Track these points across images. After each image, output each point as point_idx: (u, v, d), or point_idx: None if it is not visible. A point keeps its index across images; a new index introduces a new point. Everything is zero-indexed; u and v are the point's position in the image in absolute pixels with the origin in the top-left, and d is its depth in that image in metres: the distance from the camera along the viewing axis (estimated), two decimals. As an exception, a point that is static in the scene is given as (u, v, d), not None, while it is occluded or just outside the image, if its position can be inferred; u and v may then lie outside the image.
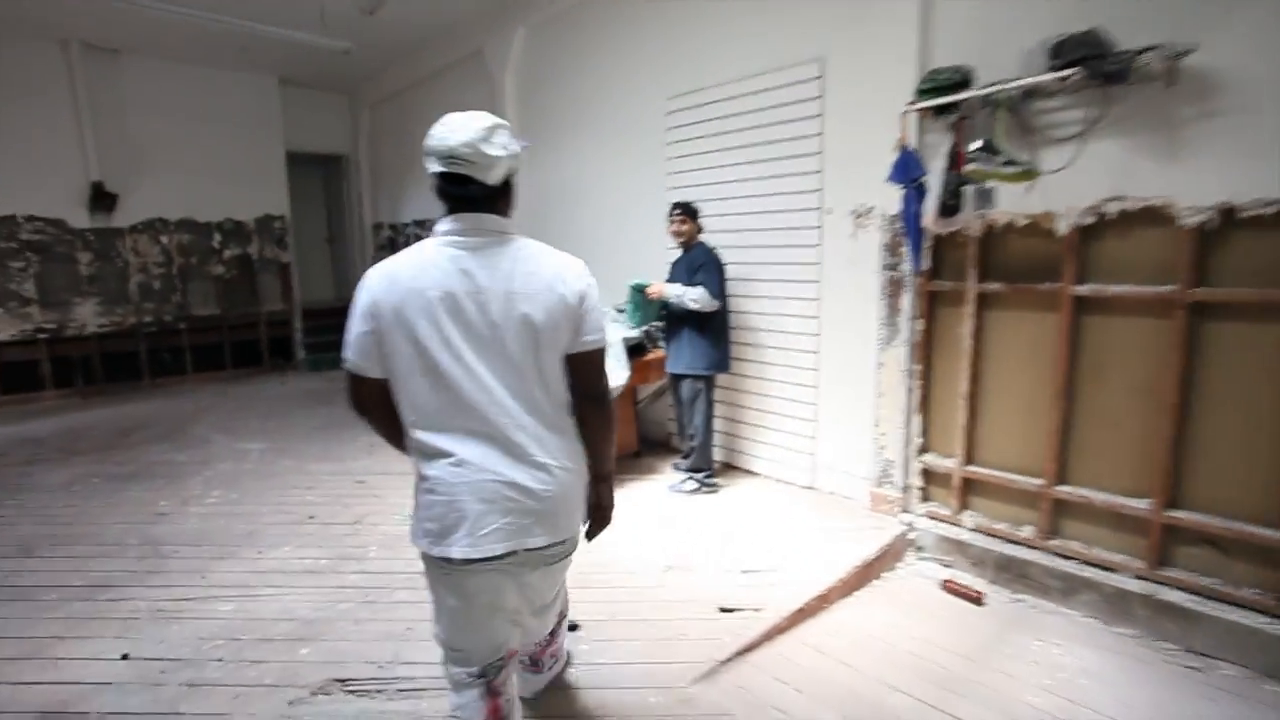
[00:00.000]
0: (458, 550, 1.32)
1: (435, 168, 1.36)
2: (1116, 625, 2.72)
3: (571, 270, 1.40)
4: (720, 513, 3.51)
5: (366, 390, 1.39)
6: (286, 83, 7.58)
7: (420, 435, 1.35)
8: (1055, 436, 2.90)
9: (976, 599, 2.92)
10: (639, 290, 3.70)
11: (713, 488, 3.76)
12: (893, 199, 3.17)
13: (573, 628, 2.42)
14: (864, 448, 3.52)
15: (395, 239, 8.12)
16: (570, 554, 1.51)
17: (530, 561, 1.39)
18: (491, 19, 5.64)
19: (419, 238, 7.63)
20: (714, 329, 3.58)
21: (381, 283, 1.34)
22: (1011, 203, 2.82)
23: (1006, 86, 2.59)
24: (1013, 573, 3.02)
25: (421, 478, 1.37)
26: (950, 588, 3.02)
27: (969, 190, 2.76)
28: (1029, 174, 2.54)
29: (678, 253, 3.73)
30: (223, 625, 2.42)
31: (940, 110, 2.87)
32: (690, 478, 3.75)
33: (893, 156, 3.10)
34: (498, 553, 1.32)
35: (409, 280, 1.33)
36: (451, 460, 1.31)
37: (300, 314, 7.99)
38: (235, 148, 7.26)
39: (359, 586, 2.70)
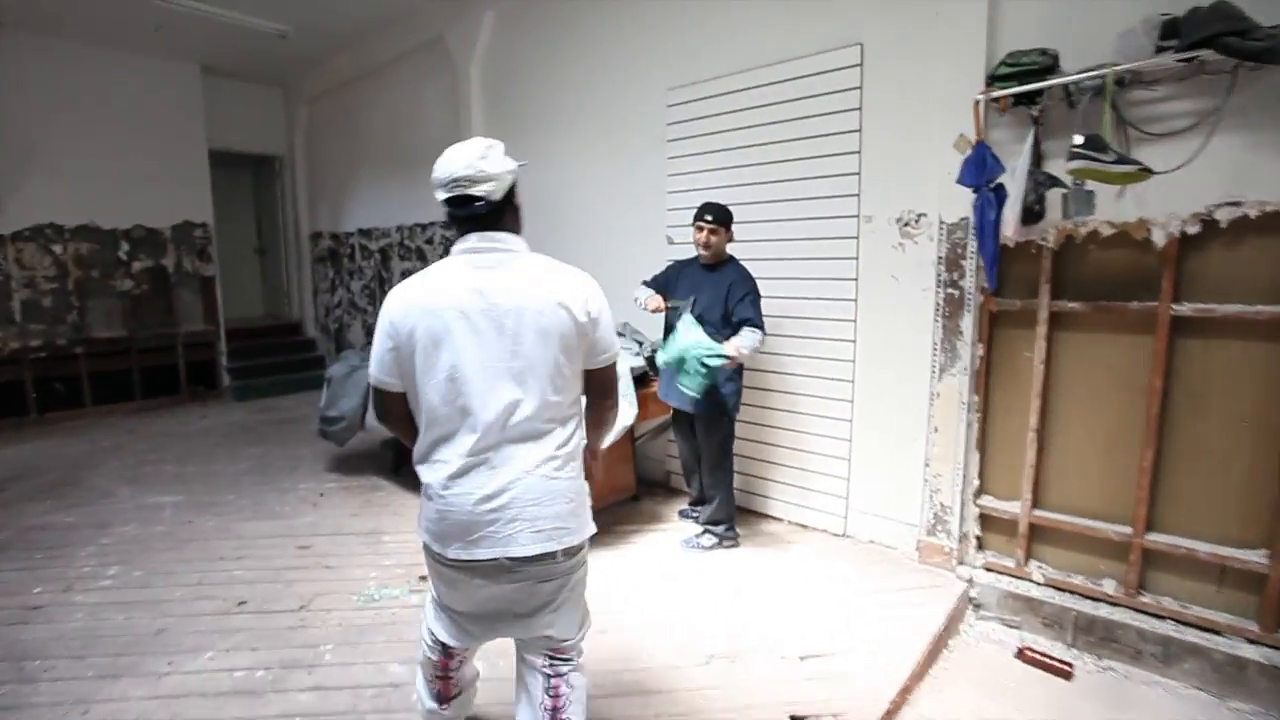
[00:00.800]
0: (452, 553, 1.41)
1: (441, 195, 1.42)
2: (1232, 699, 2.33)
3: (582, 287, 1.44)
4: (748, 573, 2.97)
5: (390, 402, 1.47)
6: (211, 72, 6.68)
7: (428, 446, 1.42)
8: (1146, 476, 2.51)
9: (1065, 672, 2.48)
10: (718, 363, 2.76)
11: (734, 541, 3.22)
12: (952, 203, 2.75)
13: (612, 763, 1.84)
14: (910, 490, 3.06)
15: (337, 250, 7.30)
16: (565, 575, 1.48)
17: (513, 572, 1.41)
18: (454, 1, 5.01)
19: (364, 249, 6.86)
20: (742, 364, 3.04)
21: (399, 304, 1.40)
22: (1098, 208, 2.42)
23: (1114, 70, 2.19)
24: (1096, 635, 2.61)
25: (426, 485, 1.44)
26: (1029, 657, 2.57)
27: (1063, 193, 2.34)
28: (1143, 174, 2.14)
29: (673, 255, 3.14)
30: (112, 796, 1.70)
31: (1018, 100, 2.46)
32: (708, 531, 3.19)
33: (954, 154, 2.68)
34: (486, 558, 1.38)
35: (425, 300, 1.38)
36: (451, 474, 1.38)
37: (225, 335, 7.02)
38: (148, 144, 6.30)
39: (313, 714, 2.01)
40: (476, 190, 1.37)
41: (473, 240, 1.41)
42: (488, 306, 1.35)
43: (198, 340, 6.78)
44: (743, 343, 2.80)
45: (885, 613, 2.63)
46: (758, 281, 3.02)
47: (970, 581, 2.87)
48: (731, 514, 3.20)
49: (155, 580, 2.89)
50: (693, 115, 3.65)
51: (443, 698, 1.72)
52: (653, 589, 2.82)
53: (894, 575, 2.94)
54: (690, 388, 2.80)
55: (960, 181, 2.52)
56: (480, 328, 1.35)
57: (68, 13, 5.22)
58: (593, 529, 1.51)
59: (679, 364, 2.81)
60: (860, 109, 3.01)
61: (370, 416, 3.94)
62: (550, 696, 1.50)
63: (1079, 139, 2.17)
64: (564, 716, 1.50)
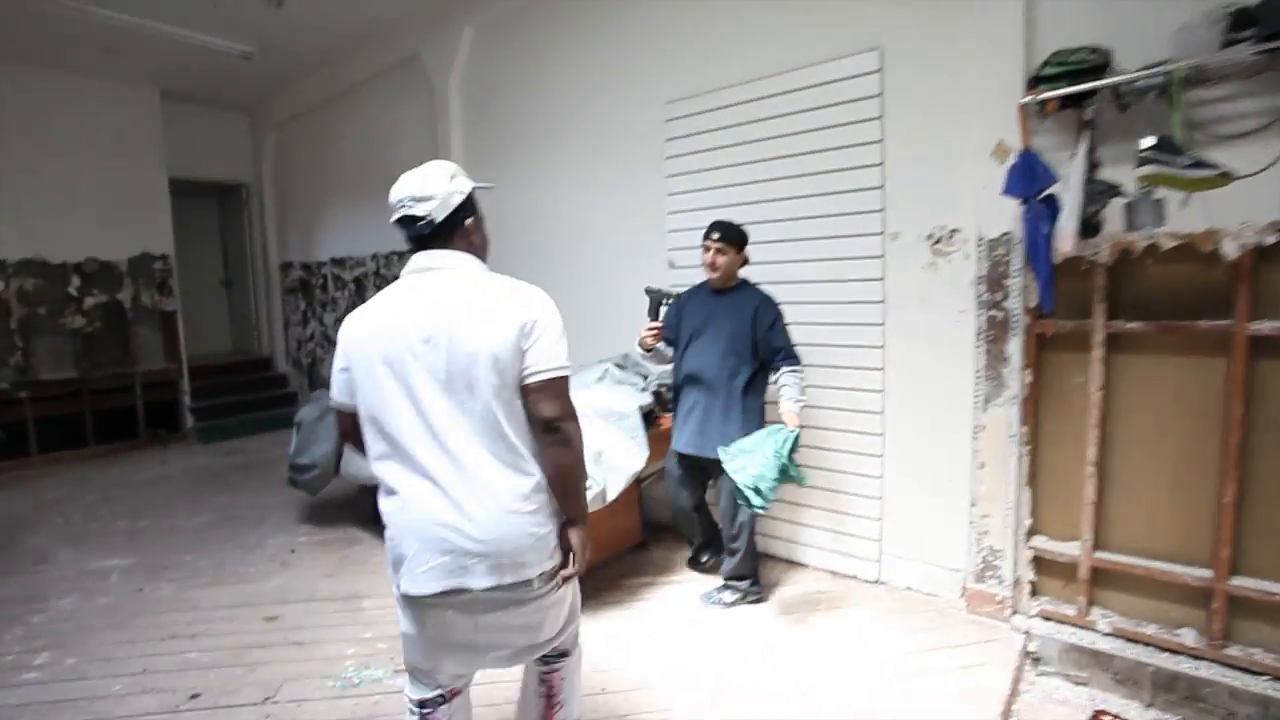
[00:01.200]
0: (403, 584, 1.37)
1: (392, 219, 1.44)
2: (1343, 767, 2.05)
3: (520, 299, 1.39)
4: (779, 632, 2.65)
5: (350, 422, 1.47)
6: (171, 97, 6.32)
7: (376, 469, 1.40)
8: (1229, 514, 2.24)
9: (1150, 740, 2.19)
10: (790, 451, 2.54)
11: (759, 595, 2.89)
12: (993, 217, 2.51)
13: None
14: (952, 532, 2.78)
15: (309, 281, 6.91)
16: (540, 598, 1.42)
17: (482, 603, 1.36)
18: (430, 17, 4.75)
19: (337, 279, 6.49)
20: (763, 397, 2.75)
21: (351, 327, 1.42)
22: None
23: (1182, 66, 1.97)
24: (1178, 694, 2.31)
25: (383, 513, 1.41)
26: (1107, 723, 2.27)
27: (1124, 203, 2.11)
28: (1222, 179, 1.91)
29: (674, 279, 2.83)
30: None
31: (1064, 104, 2.24)
32: (730, 585, 2.86)
33: (991, 164, 2.46)
34: (434, 590, 1.33)
35: (373, 322, 1.39)
36: (398, 497, 1.36)
37: (188, 373, 6.56)
38: (102, 172, 5.90)
39: None
40: (418, 210, 1.39)
41: (418, 260, 1.42)
42: (423, 327, 1.34)
43: (158, 379, 6.31)
44: (797, 398, 2.60)
45: (941, 677, 2.32)
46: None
47: (1027, 634, 2.57)
48: (757, 567, 2.87)
49: (91, 670, 2.46)
50: (694, 129, 3.40)
51: None
52: (672, 656, 2.48)
53: (941, 628, 2.63)
54: (799, 478, 2.57)
55: (1006, 193, 2.28)
56: (417, 349, 1.33)
57: (12, 33, 4.85)
58: (558, 558, 1.43)
59: (783, 477, 2.51)
60: (881, 118, 2.78)
61: (346, 463, 3.57)
62: (546, 689, 1.58)
63: (1149, 141, 1.94)
64: (559, 699, 1.58)
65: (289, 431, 4.13)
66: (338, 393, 1.45)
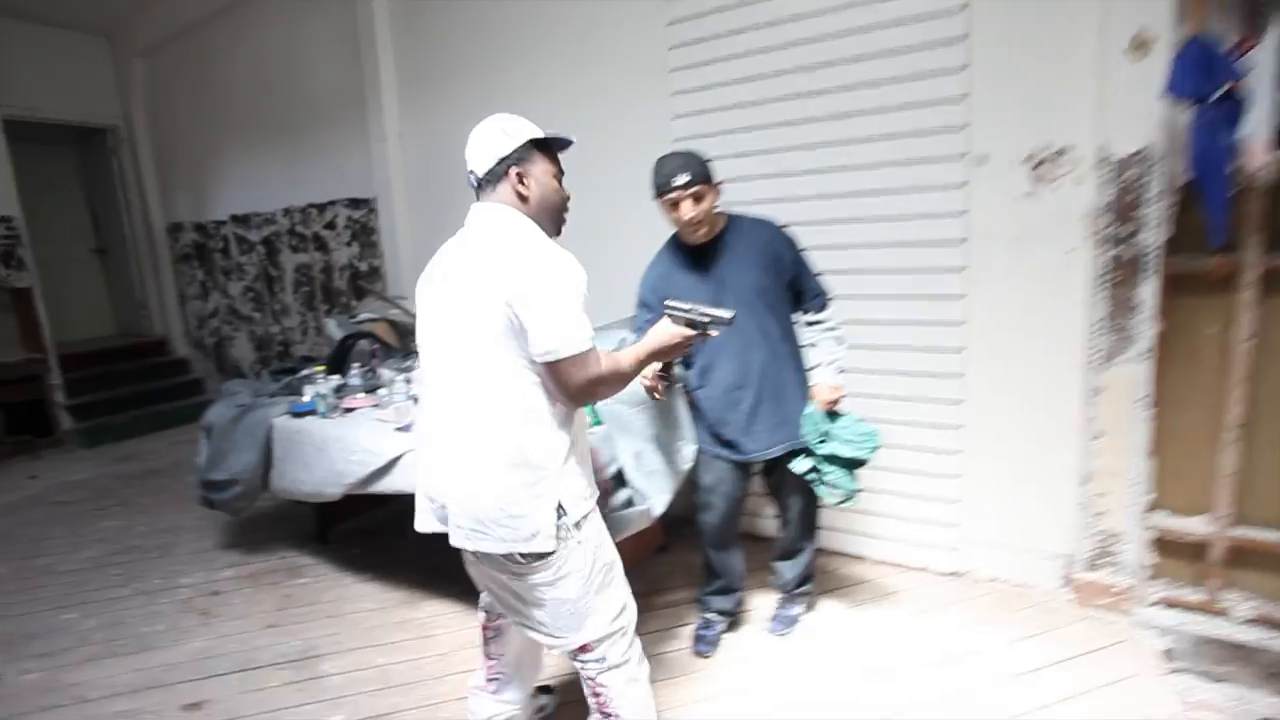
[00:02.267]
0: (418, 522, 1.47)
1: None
2: None
3: (509, 267, 1.26)
4: (852, 650, 2.17)
5: None
6: (-7, 11, 4.94)
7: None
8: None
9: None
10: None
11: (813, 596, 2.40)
12: (1124, 130, 2.00)
13: None
14: (1054, 512, 2.36)
15: (205, 245, 5.77)
16: (525, 576, 1.34)
17: (474, 556, 1.40)
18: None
19: (242, 241, 5.41)
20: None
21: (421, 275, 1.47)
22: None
23: None
24: (1344, 690, 1.99)
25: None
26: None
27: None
28: None
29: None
30: None
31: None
32: (798, 595, 2.32)
33: (1124, 61, 1.93)
34: (425, 529, 1.44)
35: (426, 272, 1.44)
36: (422, 439, 1.46)
37: (59, 364, 5.36)
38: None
39: None
40: (470, 164, 1.41)
41: (468, 215, 1.43)
42: (448, 280, 1.36)
43: (15, 374, 5.09)
44: (833, 359, 2.04)
45: (1084, 698, 1.90)
46: (815, 255, 2.10)
47: (1160, 630, 2.19)
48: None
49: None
50: (707, 34, 2.69)
51: (487, 677, 1.62)
52: (729, 682, 1.94)
53: (1054, 629, 2.22)
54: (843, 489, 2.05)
55: (1172, 92, 1.75)
56: (442, 301, 1.37)
57: None
58: (542, 545, 1.29)
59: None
60: (967, 7, 2.18)
61: (277, 475, 2.77)
62: (593, 696, 1.48)
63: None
64: (611, 711, 1.46)
65: (194, 426, 3.26)
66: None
